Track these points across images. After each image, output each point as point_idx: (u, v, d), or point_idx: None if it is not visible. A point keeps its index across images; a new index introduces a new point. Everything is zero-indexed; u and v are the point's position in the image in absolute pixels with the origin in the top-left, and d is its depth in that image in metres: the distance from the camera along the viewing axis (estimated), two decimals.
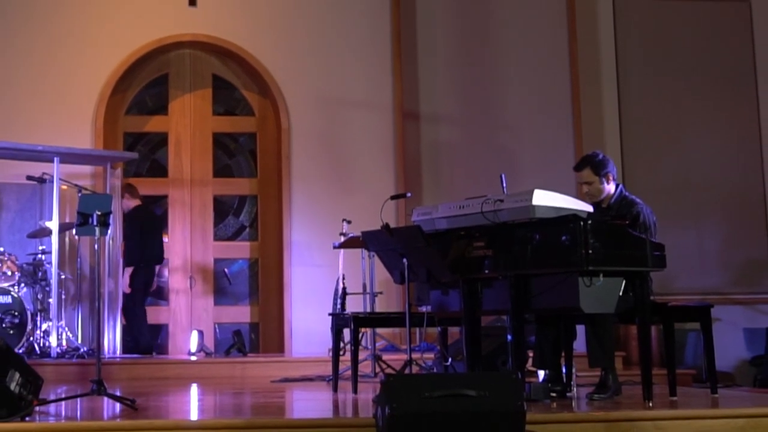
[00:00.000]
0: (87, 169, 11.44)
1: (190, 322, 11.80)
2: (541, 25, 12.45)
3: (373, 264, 10.31)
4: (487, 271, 6.59)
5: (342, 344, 8.47)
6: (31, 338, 10.09)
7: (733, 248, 12.53)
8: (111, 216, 6.97)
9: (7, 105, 11.33)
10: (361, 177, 11.74)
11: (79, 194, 9.85)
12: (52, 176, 10.56)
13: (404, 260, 7.04)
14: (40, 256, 10.58)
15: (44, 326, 10.28)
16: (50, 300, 10.32)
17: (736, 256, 12.53)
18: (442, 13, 12.40)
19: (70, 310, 10.93)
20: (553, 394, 6.90)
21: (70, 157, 10.69)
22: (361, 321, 7.94)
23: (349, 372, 7.84)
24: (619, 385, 7.02)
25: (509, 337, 6.58)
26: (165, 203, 12.10)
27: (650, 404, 6.29)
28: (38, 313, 10.30)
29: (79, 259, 11.02)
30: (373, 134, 11.89)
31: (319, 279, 11.31)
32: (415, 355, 8.08)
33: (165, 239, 11.73)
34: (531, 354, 7.52)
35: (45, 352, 10.03)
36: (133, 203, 11.31)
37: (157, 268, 11.46)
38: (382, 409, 5.01)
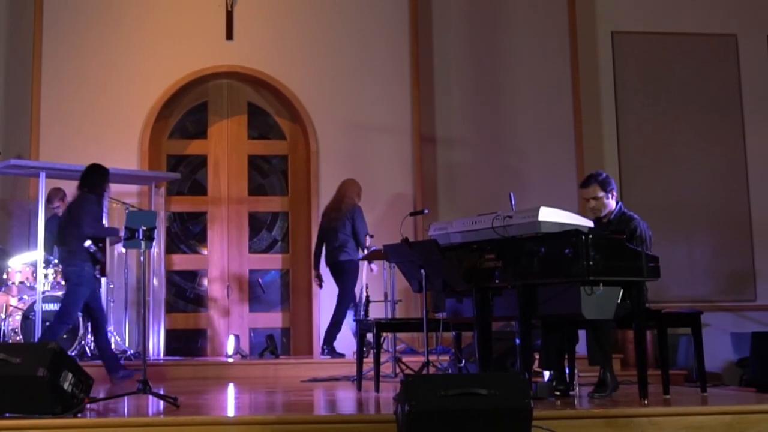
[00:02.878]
0: (134, 188, 11.48)
1: (227, 327, 11.79)
2: (546, 57, 12.44)
3: (393, 274, 10.31)
4: (497, 281, 6.59)
5: (365, 347, 8.47)
6: (83, 342, 10.10)
7: (720, 260, 12.50)
8: (155, 230, 7.00)
9: (62, 130, 11.39)
10: (383, 195, 11.73)
11: (127, 211, 9.88)
12: None
13: (422, 271, 7.05)
14: None
15: None
16: None
17: (724, 268, 12.50)
18: (457, 46, 12.41)
19: (118, 316, 10.95)
20: (558, 393, 6.89)
21: (118, 177, 10.69)
22: (382, 326, 7.92)
23: (372, 372, 7.83)
24: (616, 381, 7.01)
25: (517, 340, 6.57)
26: (204, 219, 12.12)
27: (646, 402, 6.27)
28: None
29: (126, 270, 11.05)
30: (393, 156, 11.90)
31: None
32: (432, 357, 8.07)
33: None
34: (537, 356, 7.52)
35: (95, 355, 10.04)
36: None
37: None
38: (402, 407, 5.01)
